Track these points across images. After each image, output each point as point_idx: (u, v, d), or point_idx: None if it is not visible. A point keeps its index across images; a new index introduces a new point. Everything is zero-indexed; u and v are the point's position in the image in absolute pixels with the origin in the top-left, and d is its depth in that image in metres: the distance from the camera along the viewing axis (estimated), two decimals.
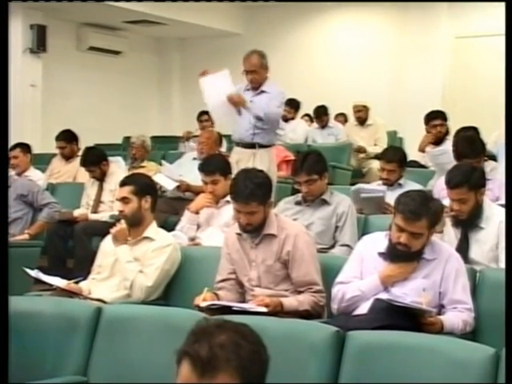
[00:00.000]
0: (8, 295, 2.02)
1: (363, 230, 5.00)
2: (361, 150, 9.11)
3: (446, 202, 4.22)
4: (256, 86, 6.14)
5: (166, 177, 6.75)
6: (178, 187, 6.63)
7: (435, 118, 7.28)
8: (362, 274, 3.63)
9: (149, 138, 8.16)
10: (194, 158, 7.26)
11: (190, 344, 1.74)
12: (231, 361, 1.71)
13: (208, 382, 1.70)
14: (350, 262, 3.72)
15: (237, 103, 6.03)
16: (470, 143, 5.31)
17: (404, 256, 3.49)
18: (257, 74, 6.10)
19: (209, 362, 1.71)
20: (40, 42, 10.64)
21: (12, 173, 6.50)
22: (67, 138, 8.09)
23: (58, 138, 8.12)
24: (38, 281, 4.45)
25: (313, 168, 4.77)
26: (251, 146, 6.13)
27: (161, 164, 7.42)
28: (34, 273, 4.33)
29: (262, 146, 6.14)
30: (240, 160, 6.09)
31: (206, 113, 9.98)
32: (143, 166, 7.70)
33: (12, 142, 7.82)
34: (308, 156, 4.88)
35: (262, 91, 6.14)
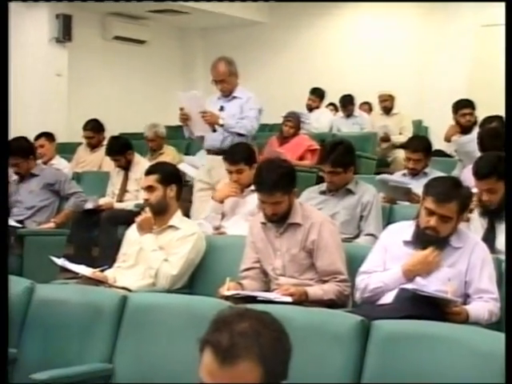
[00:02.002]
0: (8, 295, 2.02)
1: (388, 219, 4.99)
2: (385, 138, 9.07)
3: (474, 190, 4.20)
4: (227, 94, 5.99)
5: (190, 165, 6.77)
6: None
7: (464, 107, 7.22)
8: (386, 264, 3.62)
9: (162, 124, 8.10)
10: None
11: (211, 332, 1.75)
12: (252, 349, 1.71)
13: (229, 369, 1.71)
14: (374, 252, 3.71)
15: (208, 121, 5.77)
16: (493, 137, 5.27)
17: (432, 241, 3.48)
18: (226, 82, 5.94)
19: (229, 350, 1.71)
20: (66, 32, 10.68)
21: (39, 161, 6.53)
22: (95, 127, 8.13)
23: (85, 128, 8.16)
24: (64, 269, 4.48)
25: (339, 160, 4.73)
26: (222, 152, 5.73)
27: (185, 154, 7.45)
28: (61, 261, 4.36)
29: None
30: (212, 168, 5.90)
31: None
32: (162, 153, 7.74)
33: (38, 131, 7.89)
34: (337, 146, 4.81)
35: (234, 97, 5.99)
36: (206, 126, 5.79)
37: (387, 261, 3.62)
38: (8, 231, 2.81)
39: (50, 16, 10.56)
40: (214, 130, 5.82)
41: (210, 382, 1.72)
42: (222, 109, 5.91)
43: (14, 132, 6.70)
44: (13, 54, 9.99)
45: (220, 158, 5.73)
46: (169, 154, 7.61)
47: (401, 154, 8.51)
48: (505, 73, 3.92)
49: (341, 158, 4.74)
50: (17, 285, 3.79)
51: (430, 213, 3.46)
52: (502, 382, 2.47)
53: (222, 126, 5.79)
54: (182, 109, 5.82)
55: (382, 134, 9.07)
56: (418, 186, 4.93)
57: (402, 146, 7.61)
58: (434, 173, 5.66)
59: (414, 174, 5.79)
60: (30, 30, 10.41)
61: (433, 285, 3.41)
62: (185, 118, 5.85)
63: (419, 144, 5.92)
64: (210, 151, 6.04)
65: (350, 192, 4.82)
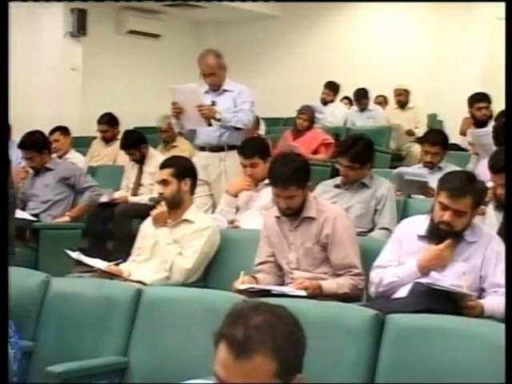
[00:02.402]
0: (8, 296, 2.02)
1: (403, 213, 4.98)
2: (409, 132, 9.06)
3: (489, 184, 4.18)
4: (216, 88, 5.81)
5: None
6: None
7: (480, 101, 7.17)
8: (401, 258, 3.62)
9: None
10: None
11: (226, 326, 1.75)
12: (266, 342, 1.71)
13: (244, 363, 1.70)
14: (389, 246, 3.70)
15: (206, 115, 5.54)
16: None
17: (446, 236, 3.47)
18: (215, 76, 5.75)
19: (244, 344, 1.71)
20: (80, 26, 10.71)
21: (54, 156, 6.56)
22: (109, 121, 8.15)
23: (100, 122, 8.19)
24: (79, 262, 4.50)
25: (358, 157, 4.73)
26: (219, 148, 5.75)
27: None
28: (76, 255, 4.38)
29: (231, 148, 5.73)
30: (209, 165, 5.77)
31: None
32: (175, 146, 7.74)
33: (52, 125, 7.92)
34: (357, 142, 4.79)
35: (224, 90, 5.80)
36: (201, 120, 5.56)
37: (401, 255, 3.62)
38: (7, 227, 2.82)
39: (65, 11, 10.60)
40: (210, 125, 5.62)
41: (224, 375, 1.73)
42: (213, 104, 5.68)
43: (28, 126, 6.74)
44: (28, 48, 10.11)
45: (217, 154, 5.72)
46: (184, 150, 7.62)
47: (415, 147, 8.51)
48: (505, 73, 3.89)
49: (360, 154, 4.74)
50: (32, 278, 3.82)
51: (445, 207, 3.46)
52: None
53: (219, 120, 5.61)
54: (175, 103, 5.63)
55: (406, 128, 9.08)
56: (433, 180, 4.92)
57: (418, 139, 7.59)
58: (449, 167, 5.64)
59: (430, 167, 5.77)
60: (46, 25, 10.45)
61: (447, 279, 3.40)
62: (178, 112, 5.64)
63: (437, 137, 5.90)
64: (204, 148, 5.85)
65: (364, 186, 4.81)
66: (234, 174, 5.62)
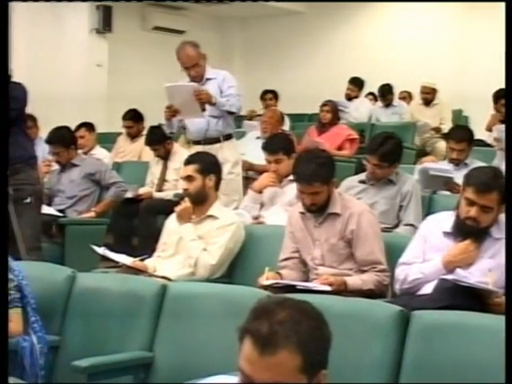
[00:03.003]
0: (8, 295, 2.03)
1: (428, 209, 4.96)
2: (436, 129, 9.02)
3: None
4: (199, 79, 5.68)
5: None
6: None
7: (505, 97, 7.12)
8: (426, 254, 3.60)
9: None
10: (258, 137, 7.27)
11: (251, 321, 1.76)
12: (291, 337, 1.71)
13: (269, 358, 1.71)
14: (414, 243, 3.69)
15: (204, 100, 5.46)
16: None
17: (472, 232, 3.45)
18: (198, 66, 5.65)
19: (269, 339, 1.71)
20: (106, 23, 10.77)
21: (79, 151, 6.60)
22: (134, 117, 8.18)
23: (125, 118, 8.22)
24: (105, 258, 4.53)
25: (387, 156, 4.71)
26: (214, 140, 5.67)
27: None
28: (101, 250, 4.40)
29: (227, 137, 5.72)
30: None
31: (269, 92, 9.97)
32: None
33: (78, 121, 7.97)
34: (387, 140, 4.77)
35: (207, 79, 5.71)
36: (195, 108, 5.44)
37: (427, 251, 3.61)
38: (7, 223, 2.84)
39: (91, 7, 10.66)
40: (204, 110, 5.49)
41: (249, 370, 1.73)
42: None
43: (55, 122, 6.79)
44: (54, 45, 10.17)
45: (212, 146, 5.58)
46: None
47: (440, 143, 8.46)
48: (505, 73, 3.86)
49: (389, 154, 4.72)
50: (58, 273, 3.85)
51: (471, 203, 3.44)
52: None
53: (214, 104, 5.49)
54: (170, 106, 5.54)
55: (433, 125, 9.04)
56: (458, 176, 4.89)
57: (444, 135, 7.55)
58: (475, 163, 5.61)
59: (456, 164, 5.74)
60: (71, 22, 10.51)
61: (473, 276, 3.38)
62: (172, 114, 5.58)
63: (463, 134, 5.86)
64: (199, 142, 5.75)
65: (390, 182, 4.80)
66: (234, 163, 5.64)
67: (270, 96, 9.88)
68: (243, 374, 1.75)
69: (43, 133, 7.04)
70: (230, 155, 5.69)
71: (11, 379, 2.52)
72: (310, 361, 1.73)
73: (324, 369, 1.77)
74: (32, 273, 3.68)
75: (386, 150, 4.71)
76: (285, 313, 1.75)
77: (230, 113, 5.66)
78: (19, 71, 8.30)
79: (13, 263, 3.59)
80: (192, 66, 5.65)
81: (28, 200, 5.06)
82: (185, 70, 5.70)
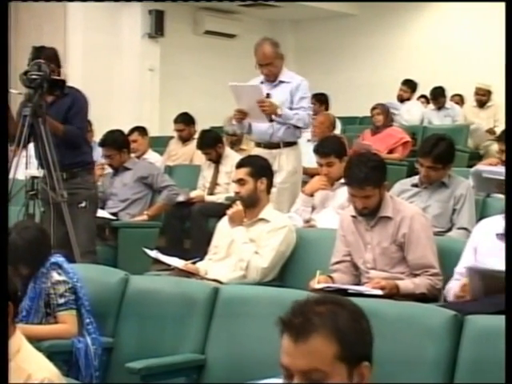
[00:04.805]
0: (7, 292, 2.07)
1: (481, 212, 4.90)
2: (490, 131, 8.92)
3: None
4: (272, 79, 5.58)
5: None
6: None
7: None
8: (479, 259, 3.56)
9: None
10: (308, 140, 7.26)
11: (287, 315, 1.76)
12: (325, 325, 1.71)
13: (303, 345, 1.70)
14: (466, 253, 3.66)
15: (267, 112, 5.35)
16: None
17: None
18: (272, 65, 5.52)
19: (302, 326, 1.71)
20: (158, 27, 10.86)
21: (132, 155, 6.67)
22: (185, 120, 8.23)
23: (176, 121, 8.27)
24: (157, 261, 4.57)
25: (441, 157, 4.66)
26: (275, 145, 5.54)
27: None
28: (154, 253, 4.45)
29: (287, 145, 5.57)
30: None
31: (320, 95, 9.96)
32: (243, 149, 7.62)
33: (131, 124, 8.06)
34: (440, 142, 4.71)
35: (281, 81, 5.58)
36: (262, 115, 5.37)
37: (481, 256, 3.56)
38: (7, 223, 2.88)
39: (143, 12, 10.76)
40: (271, 120, 5.41)
41: (288, 362, 1.73)
42: (268, 96, 5.44)
43: (108, 126, 6.87)
44: (108, 49, 10.30)
45: (273, 151, 5.50)
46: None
47: (494, 146, 8.34)
48: (505, 73, 3.79)
49: (443, 155, 4.67)
50: (112, 275, 3.90)
51: None
52: None
53: (280, 116, 5.43)
54: (241, 110, 5.47)
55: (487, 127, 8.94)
56: None
57: (497, 138, 7.46)
58: None
59: None
60: (125, 26, 10.63)
61: None
62: (241, 118, 5.52)
63: None
64: (259, 144, 5.68)
65: (443, 185, 4.75)
66: (290, 172, 5.56)
67: (312, 101, 9.80)
68: (284, 369, 1.75)
69: (97, 137, 7.13)
70: (286, 163, 5.56)
71: (67, 379, 2.55)
72: (348, 350, 1.71)
73: (367, 361, 1.75)
74: (86, 275, 3.73)
75: (440, 151, 4.66)
76: (322, 307, 1.75)
77: (296, 127, 5.55)
78: (74, 76, 8.44)
79: (67, 266, 3.64)
80: (266, 64, 5.54)
81: (83, 204, 5.12)
82: (259, 67, 5.60)
